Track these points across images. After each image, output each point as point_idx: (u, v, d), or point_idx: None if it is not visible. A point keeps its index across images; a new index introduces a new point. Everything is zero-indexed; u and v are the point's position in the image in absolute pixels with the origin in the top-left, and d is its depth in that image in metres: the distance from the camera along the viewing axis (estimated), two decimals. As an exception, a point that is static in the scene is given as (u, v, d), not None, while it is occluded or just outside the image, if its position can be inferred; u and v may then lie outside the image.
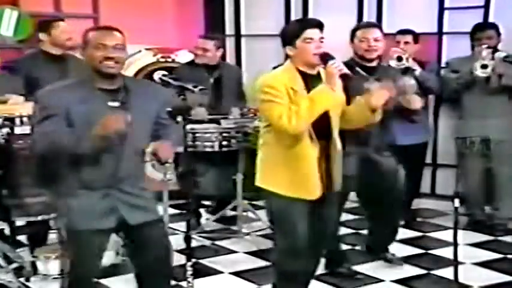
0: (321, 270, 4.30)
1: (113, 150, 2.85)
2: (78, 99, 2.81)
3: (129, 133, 2.83)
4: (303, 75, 3.19)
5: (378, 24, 4.80)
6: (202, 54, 5.11)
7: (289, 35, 3.22)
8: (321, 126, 3.19)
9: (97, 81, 2.87)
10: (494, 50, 4.93)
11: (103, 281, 4.12)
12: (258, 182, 3.32)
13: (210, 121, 4.86)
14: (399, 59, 4.82)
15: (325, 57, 3.14)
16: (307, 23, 3.27)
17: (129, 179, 2.94)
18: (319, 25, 3.21)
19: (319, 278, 4.19)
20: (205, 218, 5.38)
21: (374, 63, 4.10)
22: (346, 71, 3.10)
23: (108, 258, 3.88)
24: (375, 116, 3.34)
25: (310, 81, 3.18)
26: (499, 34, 5.07)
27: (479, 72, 4.85)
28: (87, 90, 2.85)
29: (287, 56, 3.32)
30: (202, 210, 5.52)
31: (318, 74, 3.23)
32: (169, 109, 3.02)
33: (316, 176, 3.20)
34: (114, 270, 4.19)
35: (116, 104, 2.87)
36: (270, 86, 3.13)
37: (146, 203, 3.04)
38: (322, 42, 3.17)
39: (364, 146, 4.02)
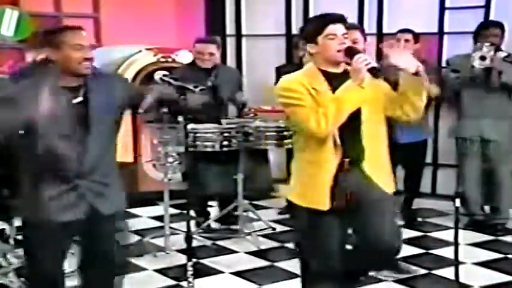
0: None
1: (74, 144, 2.85)
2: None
3: (92, 127, 2.86)
4: (326, 74, 2.98)
5: (359, 25, 4.61)
6: (208, 59, 5.10)
7: (310, 31, 3.01)
8: (350, 128, 2.95)
9: (62, 80, 2.88)
10: (497, 48, 4.94)
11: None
12: (286, 193, 3.19)
13: (211, 121, 4.86)
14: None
15: (350, 52, 2.94)
16: (329, 18, 3.03)
17: (97, 170, 2.93)
18: (342, 20, 3.02)
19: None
20: (202, 220, 5.37)
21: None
22: (373, 64, 2.87)
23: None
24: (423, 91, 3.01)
25: (336, 80, 2.96)
26: (503, 34, 5.07)
27: (477, 64, 4.86)
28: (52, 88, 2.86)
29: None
30: (210, 210, 5.52)
31: (345, 72, 2.99)
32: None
33: (328, 185, 2.96)
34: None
35: (78, 100, 2.88)
36: (287, 88, 2.96)
37: (114, 195, 3.02)
38: (346, 38, 2.97)
39: None
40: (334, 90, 2.93)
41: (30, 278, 3.04)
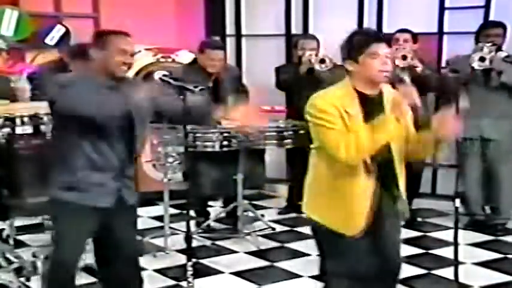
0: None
1: (119, 135, 3.04)
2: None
3: (135, 126, 3.06)
4: (361, 96, 2.85)
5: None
6: (218, 65, 5.07)
7: (352, 48, 2.84)
8: (381, 159, 2.88)
9: (98, 79, 3.05)
10: (498, 48, 4.94)
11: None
12: (305, 209, 3.04)
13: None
14: (404, 57, 4.83)
15: (394, 79, 2.85)
16: (373, 36, 2.90)
17: (127, 164, 3.14)
18: (386, 40, 2.90)
19: (318, 278, 4.19)
20: (201, 220, 5.36)
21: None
22: (417, 100, 2.77)
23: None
24: (440, 149, 3.01)
25: (369, 103, 2.84)
26: (505, 33, 5.07)
27: (476, 65, 4.86)
28: (96, 85, 3.03)
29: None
30: (210, 210, 5.52)
31: (380, 94, 2.88)
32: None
33: (363, 214, 2.88)
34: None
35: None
36: (320, 109, 2.80)
37: (133, 186, 3.24)
38: (388, 58, 2.83)
39: None
40: (366, 113, 2.82)
41: (51, 263, 3.11)
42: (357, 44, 2.84)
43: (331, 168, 2.87)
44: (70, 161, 3.02)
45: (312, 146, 3.01)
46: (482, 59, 4.85)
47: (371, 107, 2.83)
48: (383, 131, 2.77)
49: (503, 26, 5.09)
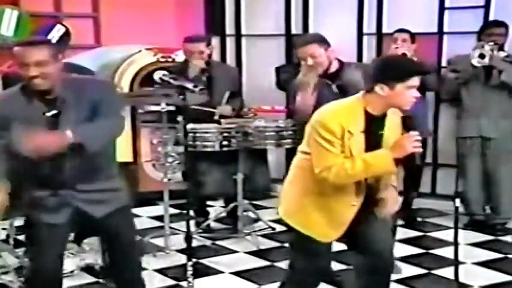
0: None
1: (53, 160, 2.86)
2: (18, 109, 2.84)
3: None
4: (368, 116, 2.91)
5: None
6: (198, 57, 5.07)
7: (393, 75, 2.86)
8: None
9: (34, 93, 2.87)
10: (500, 48, 4.95)
11: (103, 280, 4.12)
12: (283, 215, 3.10)
13: (211, 121, 4.86)
14: (404, 55, 4.83)
15: (408, 124, 2.93)
16: (418, 69, 3.01)
17: (83, 178, 2.97)
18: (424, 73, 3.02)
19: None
20: (201, 220, 5.36)
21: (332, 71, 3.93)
22: (420, 151, 2.88)
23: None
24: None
25: (373, 122, 2.92)
26: (507, 33, 5.08)
27: (476, 62, 4.86)
28: (26, 100, 2.87)
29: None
30: (210, 210, 5.52)
31: (384, 115, 2.96)
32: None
33: (344, 227, 3.00)
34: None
35: (52, 112, 2.88)
36: (327, 128, 2.85)
37: (108, 196, 3.06)
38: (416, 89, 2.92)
39: None
40: (367, 131, 2.90)
41: (28, 277, 3.12)
42: (399, 73, 2.87)
43: (322, 180, 2.92)
44: (24, 181, 3.00)
45: (302, 149, 3.06)
46: (482, 56, 4.85)
47: (374, 126, 2.92)
48: (376, 166, 2.86)
49: (505, 26, 5.09)
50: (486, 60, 4.85)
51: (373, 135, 2.92)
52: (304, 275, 3.17)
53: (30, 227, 3.05)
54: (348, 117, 2.88)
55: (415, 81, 2.87)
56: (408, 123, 2.94)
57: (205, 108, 4.80)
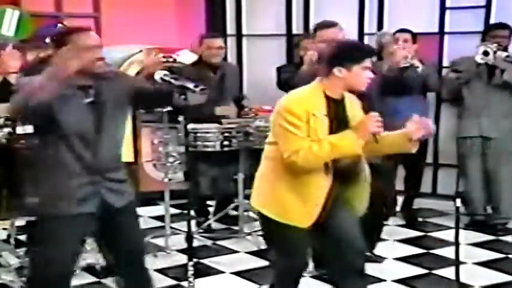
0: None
1: (90, 142, 2.93)
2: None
3: (104, 125, 2.95)
4: (328, 99, 3.06)
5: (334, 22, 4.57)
6: (217, 53, 5.19)
7: (349, 58, 3.03)
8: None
9: (73, 80, 2.91)
10: (504, 50, 4.95)
11: (105, 280, 4.12)
12: (259, 206, 3.17)
13: (211, 121, 4.86)
14: (404, 57, 4.83)
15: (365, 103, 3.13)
16: (370, 52, 3.20)
17: (109, 167, 3.02)
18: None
19: (319, 277, 4.19)
20: (202, 219, 5.36)
21: None
22: (381, 131, 2.99)
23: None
24: (413, 146, 3.19)
25: (334, 105, 3.06)
26: (510, 35, 5.08)
27: (479, 58, 4.86)
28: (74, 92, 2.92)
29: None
30: (210, 210, 5.52)
31: (342, 98, 3.11)
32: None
33: (317, 210, 3.07)
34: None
35: (90, 99, 2.95)
36: (292, 112, 2.97)
37: (125, 188, 3.11)
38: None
39: None
40: (330, 114, 3.03)
41: (37, 275, 3.02)
42: (356, 55, 3.05)
43: (291, 165, 3.00)
44: (51, 171, 2.96)
45: (269, 140, 3.16)
46: (486, 53, 4.86)
47: (335, 109, 3.06)
48: (342, 147, 2.96)
49: (509, 28, 5.09)
50: (490, 57, 4.86)
51: (335, 118, 3.05)
52: (286, 272, 3.27)
53: (45, 221, 2.99)
54: (311, 102, 3.01)
55: (368, 62, 3.06)
56: (365, 105, 3.13)
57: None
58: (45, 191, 3.00)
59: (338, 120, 3.06)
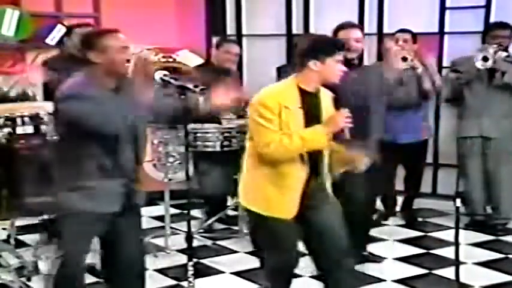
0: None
1: (118, 142, 3.00)
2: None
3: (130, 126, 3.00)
4: (302, 92, 3.19)
5: (360, 24, 4.81)
6: (234, 60, 5.26)
7: (323, 51, 3.17)
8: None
9: (105, 81, 3.01)
10: (505, 50, 4.95)
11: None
12: (245, 203, 3.30)
13: (212, 121, 4.86)
14: (404, 59, 4.81)
15: (340, 103, 3.25)
16: (342, 45, 3.31)
17: (132, 167, 3.10)
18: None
19: (319, 278, 4.19)
20: (205, 218, 5.37)
21: (354, 62, 4.16)
22: (348, 127, 3.14)
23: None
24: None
25: (308, 98, 3.20)
26: (511, 35, 5.07)
27: (480, 64, 4.86)
28: (98, 89, 2.99)
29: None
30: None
31: (317, 92, 3.24)
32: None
33: (297, 200, 3.19)
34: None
35: (119, 99, 3.00)
36: (265, 105, 3.11)
37: (138, 187, 3.19)
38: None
39: None
40: (304, 106, 3.16)
41: (59, 272, 3.10)
42: (329, 48, 3.18)
43: (265, 156, 3.15)
44: (79, 168, 3.00)
45: (248, 137, 3.29)
46: (485, 59, 4.85)
47: (310, 101, 3.20)
48: (312, 141, 3.12)
49: (510, 28, 5.09)
50: (489, 63, 4.85)
51: (310, 110, 3.18)
52: (277, 269, 3.37)
53: (67, 219, 3.05)
54: (284, 95, 3.15)
55: (341, 56, 3.20)
56: (337, 98, 3.31)
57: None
58: (69, 188, 3.02)
59: (312, 113, 3.19)
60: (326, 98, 3.28)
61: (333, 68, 3.17)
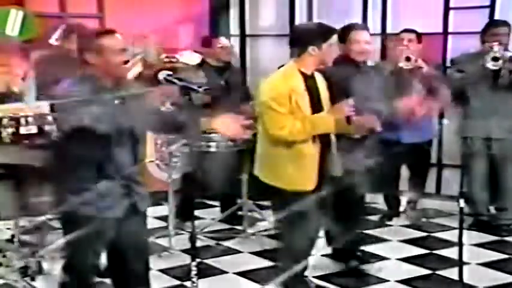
0: (327, 269, 4.32)
1: (121, 143, 2.96)
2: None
3: (133, 128, 2.99)
4: (303, 75, 3.51)
5: (367, 26, 4.87)
6: (229, 52, 5.38)
7: (318, 37, 3.51)
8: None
9: (103, 82, 2.98)
10: (505, 48, 4.93)
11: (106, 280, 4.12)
12: (268, 179, 3.57)
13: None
14: (408, 59, 4.80)
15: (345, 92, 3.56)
16: (334, 29, 3.61)
17: (135, 170, 3.08)
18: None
19: (324, 278, 4.19)
20: (211, 218, 5.38)
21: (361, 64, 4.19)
22: (352, 114, 3.47)
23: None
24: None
25: (309, 81, 3.53)
26: (509, 33, 5.06)
27: (490, 65, 4.84)
28: (93, 90, 2.94)
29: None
30: (214, 210, 5.54)
31: (313, 74, 3.57)
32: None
33: (315, 172, 3.52)
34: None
35: (118, 100, 2.98)
36: (273, 98, 3.42)
37: (145, 191, 3.18)
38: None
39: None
40: (307, 88, 3.49)
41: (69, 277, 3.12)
42: (323, 34, 3.53)
43: (279, 139, 3.47)
44: (77, 170, 2.97)
45: (261, 127, 3.55)
46: (495, 59, 4.82)
47: (311, 84, 3.53)
48: (321, 127, 3.48)
49: (508, 25, 5.08)
50: (500, 63, 4.83)
51: (311, 92, 3.52)
52: (297, 251, 3.62)
53: (72, 222, 3.02)
54: (291, 79, 3.48)
55: (334, 40, 3.56)
56: (327, 79, 3.62)
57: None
58: (75, 191, 2.99)
59: (314, 94, 3.53)
60: (320, 80, 3.60)
61: (329, 51, 3.53)
